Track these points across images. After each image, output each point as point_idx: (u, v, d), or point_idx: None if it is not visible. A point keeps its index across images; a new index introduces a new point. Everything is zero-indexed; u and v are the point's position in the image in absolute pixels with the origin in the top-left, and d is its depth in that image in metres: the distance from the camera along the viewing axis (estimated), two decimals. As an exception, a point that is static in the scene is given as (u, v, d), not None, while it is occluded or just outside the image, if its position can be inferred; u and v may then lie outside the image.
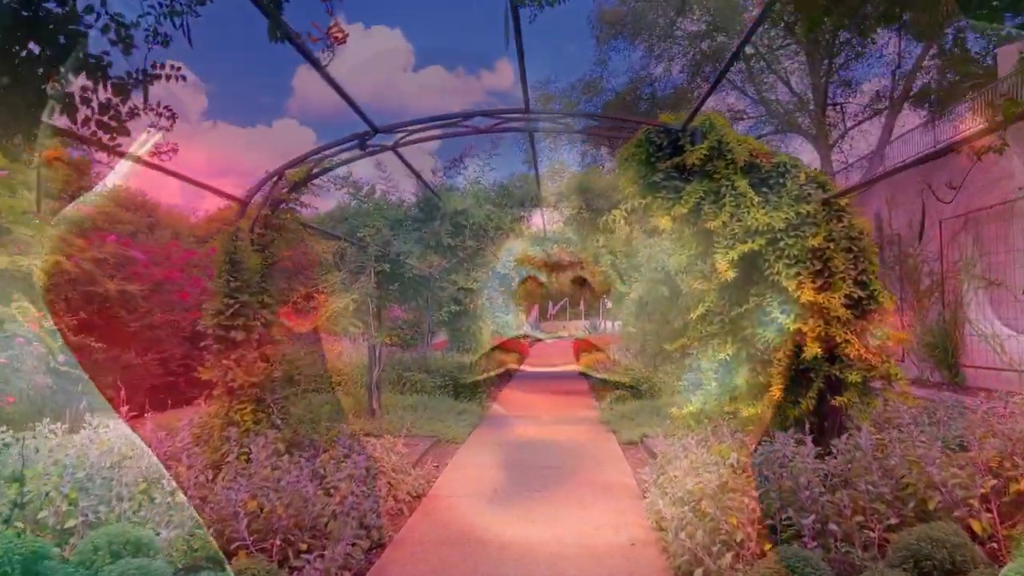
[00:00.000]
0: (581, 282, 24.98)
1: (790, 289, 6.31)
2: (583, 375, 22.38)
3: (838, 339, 6.12)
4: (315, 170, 7.39)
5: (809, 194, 6.53)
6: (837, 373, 6.29)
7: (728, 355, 6.84)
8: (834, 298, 6.25)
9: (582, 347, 28.71)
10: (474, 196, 11.32)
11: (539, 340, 43.50)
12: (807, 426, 5.78)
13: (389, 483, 7.19)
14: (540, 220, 13.37)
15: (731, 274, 6.43)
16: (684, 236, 7.19)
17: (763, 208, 6.51)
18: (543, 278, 23.28)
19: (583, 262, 23.23)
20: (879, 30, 23.90)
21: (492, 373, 17.75)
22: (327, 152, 7.05)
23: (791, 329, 6.31)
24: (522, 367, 25.70)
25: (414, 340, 19.42)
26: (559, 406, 15.06)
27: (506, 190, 11.65)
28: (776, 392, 6.27)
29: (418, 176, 9.70)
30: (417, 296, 12.86)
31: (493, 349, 24.10)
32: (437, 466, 9.50)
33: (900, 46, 23.86)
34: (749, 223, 6.45)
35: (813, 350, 6.13)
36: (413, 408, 12.73)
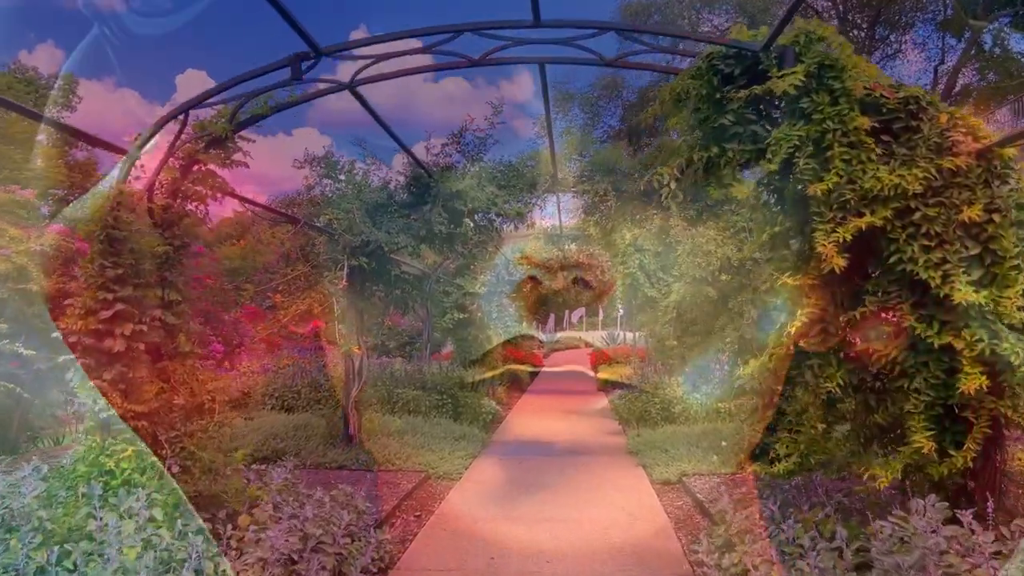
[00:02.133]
0: (600, 288, 22.78)
1: (932, 283, 4.13)
2: (602, 390, 20.15)
3: (1015, 360, 3.91)
4: (243, 115, 5.31)
5: (956, 143, 4.34)
6: (1009, 412, 4.09)
7: (837, 385, 4.63)
8: (1006, 297, 4.06)
9: (601, 360, 26.46)
10: (475, 176, 9.24)
11: (554, 350, 41.23)
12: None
13: (337, 557, 5.04)
14: (555, 210, 11.22)
15: (840, 262, 4.25)
16: (764, 208, 5.00)
17: (888, 164, 4.34)
18: (558, 282, 21.11)
19: (602, 266, 21.06)
20: (918, 28, 22.11)
21: (499, 389, 15.58)
22: (248, 80, 4.96)
23: (936, 345, 4.11)
24: (534, 382, 23.48)
25: (409, 351, 17.33)
26: (576, 430, 12.86)
27: (514, 170, 9.55)
28: (920, 442, 4.06)
29: (392, 135, 7.60)
30: (408, 299, 10.73)
31: (502, 361, 21.94)
32: (419, 516, 7.35)
33: (942, 43, 21.85)
34: (868, 185, 4.27)
35: (975, 379, 3.93)
36: (401, 433, 10.60)
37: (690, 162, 4.74)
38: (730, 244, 8.53)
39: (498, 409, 14.38)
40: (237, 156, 5.64)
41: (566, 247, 18.13)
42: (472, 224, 9.83)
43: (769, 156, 4.34)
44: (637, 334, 33.04)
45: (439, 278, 17.34)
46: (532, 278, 20.27)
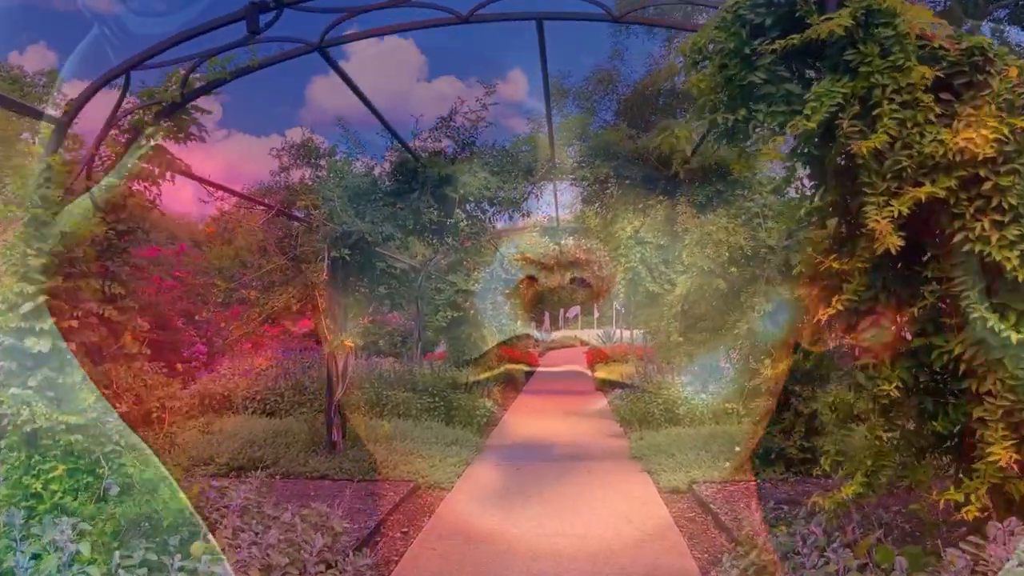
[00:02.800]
0: (597, 285, 22.11)
1: (1007, 265, 3.47)
2: (600, 390, 19.50)
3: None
4: (198, 81, 4.61)
5: (1029, 101, 3.69)
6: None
7: (895, 388, 3.92)
8: (1100, 282, 3.41)
9: (598, 359, 25.81)
10: (466, 162, 8.55)
11: (550, 349, 40.53)
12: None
13: (308, 589, 4.35)
14: (552, 200, 10.55)
15: (896, 240, 3.58)
16: (796, 179, 4.32)
17: (950, 126, 3.67)
18: (554, 279, 20.47)
19: (600, 262, 20.40)
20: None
21: (494, 389, 14.89)
22: (198, 35, 4.26)
23: (1014, 339, 3.45)
24: (530, 382, 22.80)
25: (402, 351, 16.65)
26: (576, 433, 12.19)
27: (509, 155, 8.87)
28: (998, 454, 3.38)
29: (373, 109, 6.90)
30: (395, 295, 10.04)
31: (497, 361, 21.27)
32: (406, 532, 6.67)
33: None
34: (928, 150, 3.60)
35: (1063, 378, 3.27)
36: (389, 439, 9.89)
37: (712, 125, 4.06)
38: (742, 232, 7.86)
39: (493, 411, 13.70)
40: (199, 130, 4.93)
41: (563, 242, 17.45)
42: (463, 214, 9.16)
43: (808, 113, 3.66)
44: (635, 332, 32.42)
45: (431, 274, 16.65)
46: (528, 275, 19.59)
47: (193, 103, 4.89)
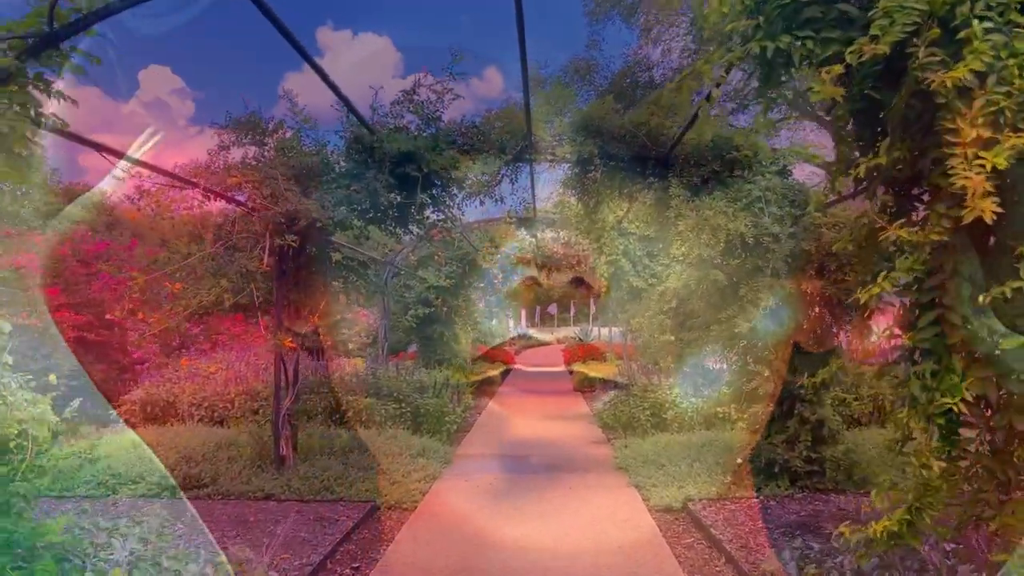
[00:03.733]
0: (577, 281, 21.19)
1: None
2: (578, 390, 18.57)
3: None
4: (70, 10, 3.55)
5: None
6: None
7: (962, 400, 2.97)
8: None
9: (575, 357, 24.93)
10: (431, 138, 7.52)
11: (527, 347, 39.57)
12: None
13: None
14: (528, 185, 9.53)
15: (989, 205, 2.65)
16: (845, 134, 3.35)
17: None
18: (531, 274, 19.52)
19: (579, 256, 19.47)
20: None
21: (467, 392, 13.88)
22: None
23: None
24: (505, 382, 21.81)
25: (372, 352, 15.57)
26: (554, 440, 11.23)
27: (479, 132, 7.85)
28: None
29: (312, 63, 5.84)
30: (354, 289, 8.98)
31: (470, 361, 20.29)
32: (356, 569, 5.65)
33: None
34: (1033, 85, 2.68)
35: None
36: (347, 451, 8.86)
37: (742, 59, 3.10)
38: (743, 218, 6.94)
39: (465, 416, 12.70)
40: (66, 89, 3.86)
41: (539, 234, 16.48)
42: (429, 200, 8.14)
43: (876, 34, 2.71)
44: (613, 329, 31.57)
45: (399, 269, 15.60)
46: (503, 271, 18.60)
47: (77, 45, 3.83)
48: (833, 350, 7.49)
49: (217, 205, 7.61)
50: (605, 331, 34.95)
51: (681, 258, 8.05)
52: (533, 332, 48.63)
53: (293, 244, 6.99)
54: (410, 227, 8.67)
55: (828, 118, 3.89)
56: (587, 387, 17.98)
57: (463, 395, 12.78)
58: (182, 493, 7.52)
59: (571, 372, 23.28)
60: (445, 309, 16.71)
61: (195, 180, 6.47)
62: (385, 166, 7.23)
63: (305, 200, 7.09)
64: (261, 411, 10.47)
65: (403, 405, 10.65)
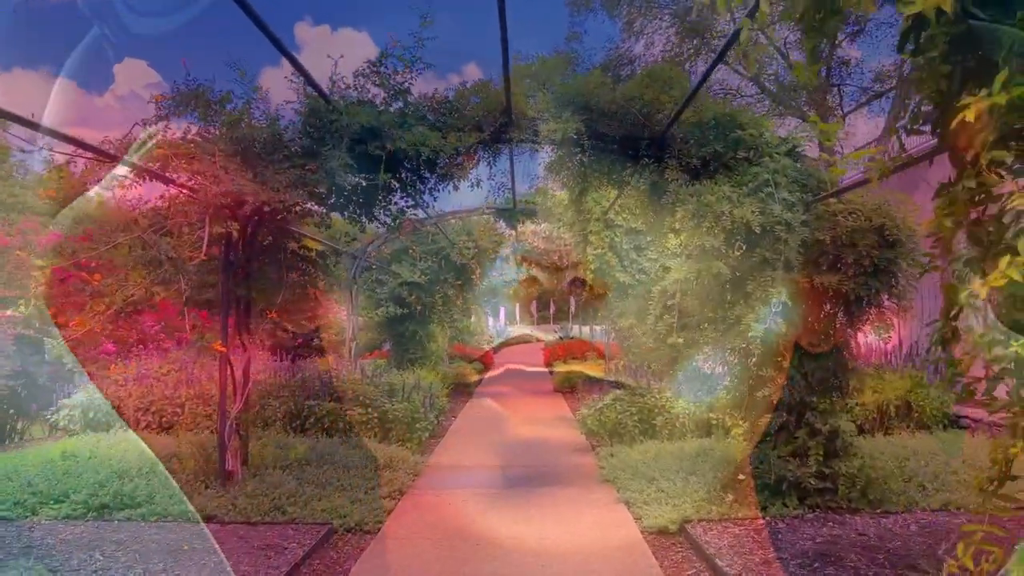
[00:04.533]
0: (560, 278, 20.40)
1: None
2: (559, 391, 17.76)
3: None
4: None
5: None
6: None
7: None
8: None
9: (555, 356, 24.15)
10: (397, 114, 6.65)
11: (506, 346, 38.72)
12: None
13: None
14: (507, 168, 8.66)
15: None
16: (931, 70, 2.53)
17: None
18: (511, 270, 18.71)
19: (560, 251, 18.68)
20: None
21: (441, 394, 13.00)
22: None
23: None
24: (483, 383, 20.93)
25: (333, 350, 14.66)
26: (534, 447, 10.41)
27: (452, 106, 6.99)
28: None
29: (265, 29, 4.95)
30: (312, 284, 8.06)
31: (446, 360, 19.43)
32: (303, 612, 4.78)
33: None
34: None
35: None
36: (305, 463, 7.97)
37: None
38: (750, 204, 6.15)
39: (438, 421, 11.83)
40: None
41: (520, 227, 15.65)
42: (396, 183, 7.27)
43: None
44: (595, 328, 30.82)
45: (370, 264, 14.68)
46: (481, 266, 17.74)
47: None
48: (843, 352, 6.74)
49: (156, 188, 6.67)
50: (586, 329, 34.24)
51: (678, 250, 7.25)
52: (513, 330, 47.79)
53: (235, 232, 6.07)
54: (376, 214, 7.80)
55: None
56: (568, 387, 17.18)
57: (437, 397, 11.90)
58: (112, 514, 6.60)
59: (551, 372, 22.50)
60: (419, 307, 15.80)
61: (116, 154, 5.52)
62: (343, 142, 6.33)
63: (249, 181, 6.18)
64: (214, 416, 9.54)
65: (370, 410, 9.75)
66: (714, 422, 9.52)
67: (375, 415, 9.76)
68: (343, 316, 17.82)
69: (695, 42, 23.71)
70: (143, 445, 8.15)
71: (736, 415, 7.79)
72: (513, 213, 12.16)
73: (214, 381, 10.47)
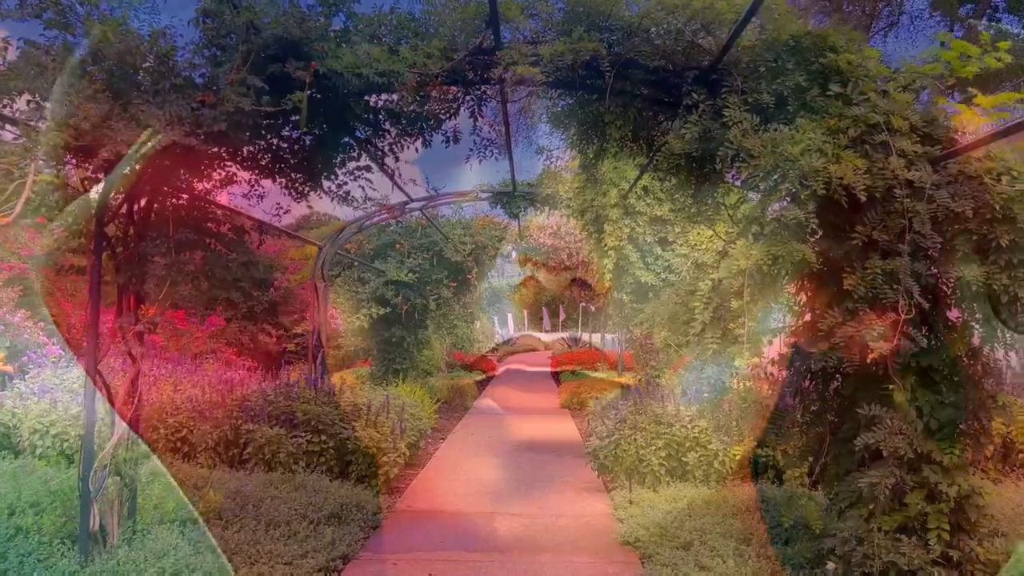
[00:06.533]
0: (569, 279, 18.31)
1: None
2: (566, 407, 15.63)
3: None
4: None
5: None
6: None
7: None
8: None
9: (563, 365, 22.07)
10: (336, 27, 4.66)
11: (511, 353, 36.56)
12: None
13: None
14: (501, 121, 6.53)
15: None
16: None
17: None
18: (516, 269, 16.68)
19: (570, 248, 16.61)
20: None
21: (427, 411, 10.89)
22: None
23: None
24: (482, 395, 18.75)
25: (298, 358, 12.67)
26: (536, 490, 8.31)
27: (417, 23, 4.95)
28: None
29: None
30: (231, 275, 6.01)
31: (442, 369, 17.38)
32: None
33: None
34: None
35: None
36: (222, 514, 5.91)
37: None
38: (851, 158, 4.08)
39: (414, 452, 9.72)
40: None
41: (524, 220, 13.59)
42: (344, 131, 5.25)
43: None
44: (606, 336, 28.66)
45: (343, 257, 12.64)
46: (478, 263, 15.69)
47: None
48: (982, 380, 4.63)
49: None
50: (597, 337, 32.05)
51: (731, 233, 5.16)
52: (518, 337, 45.68)
53: (82, 191, 4.04)
54: (324, 183, 5.78)
55: None
56: (576, 405, 15.05)
57: (418, 419, 9.79)
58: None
59: (558, 382, 20.40)
60: (407, 308, 13.71)
61: None
62: (252, 55, 4.29)
63: (119, 128, 4.15)
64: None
65: (324, 436, 7.68)
66: (762, 458, 7.45)
67: (331, 443, 7.70)
68: (337, 320, 15.84)
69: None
70: (5, 485, 6.09)
71: (804, 461, 5.66)
72: (512, 198, 10.08)
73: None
